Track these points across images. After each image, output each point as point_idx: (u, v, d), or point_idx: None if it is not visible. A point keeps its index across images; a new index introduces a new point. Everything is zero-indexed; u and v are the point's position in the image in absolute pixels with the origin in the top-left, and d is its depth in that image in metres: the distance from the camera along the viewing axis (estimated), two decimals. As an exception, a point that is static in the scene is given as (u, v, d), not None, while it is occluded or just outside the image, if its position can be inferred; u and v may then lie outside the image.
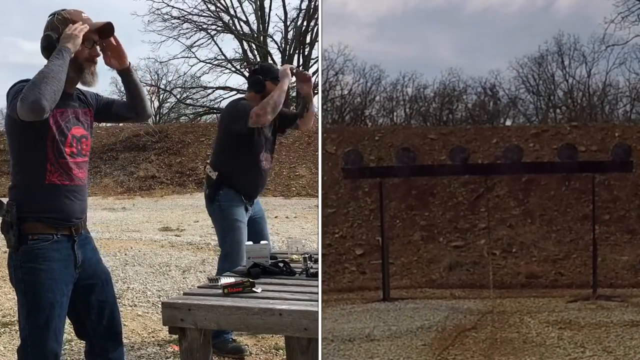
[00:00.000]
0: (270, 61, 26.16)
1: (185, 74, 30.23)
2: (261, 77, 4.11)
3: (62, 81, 2.41)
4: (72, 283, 2.61)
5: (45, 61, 2.55)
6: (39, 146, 2.49)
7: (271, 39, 27.03)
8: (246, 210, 4.08)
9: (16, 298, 2.62)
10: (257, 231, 4.17)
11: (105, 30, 2.62)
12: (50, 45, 2.52)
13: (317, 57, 26.35)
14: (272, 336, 4.25)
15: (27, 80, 2.45)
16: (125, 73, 2.75)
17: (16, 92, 2.41)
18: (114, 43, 2.66)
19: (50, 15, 2.59)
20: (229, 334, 4.09)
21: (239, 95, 4.35)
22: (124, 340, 2.88)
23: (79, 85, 2.66)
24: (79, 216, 2.63)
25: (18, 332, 4.23)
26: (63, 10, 2.60)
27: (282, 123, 4.26)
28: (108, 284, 2.78)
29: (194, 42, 26.77)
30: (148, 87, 28.35)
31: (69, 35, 2.49)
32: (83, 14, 2.60)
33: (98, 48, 2.63)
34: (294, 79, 4.10)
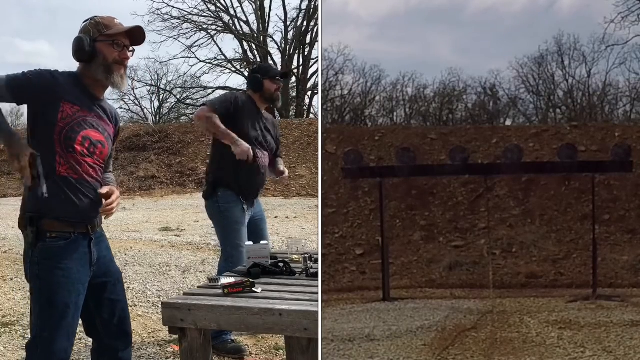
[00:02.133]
0: (270, 61, 26.19)
1: (185, 74, 30.34)
2: (259, 75, 4.14)
3: None
4: (87, 282, 2.63)
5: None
6: (45, 139, 2.51)
7: (271, 39, 27.10)
8: (244, 211, 4.08)
9: (22, 296, 2.62)
10: (257, 232, 4.17)
11: (135, 34, 2.66)
12: (80, 47, 2.58)
13: (317, 57, 26.38)
14: (272, 336, 4.25)
15: (49, 71, 2.53)
16: None
17: None
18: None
19: (85, 21, 2.67)
20: (228, 334, 4.09)
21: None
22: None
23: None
24: (93, 214, 2.64)
25: (17, 332, 4.24)
26: (97, 16, 2.67)
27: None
28: (120, 283, 2.80)
29: (194, 42, 26.84)
30: (148, 87, 28.39)
31: (14, 160, 2.42)
32: (115, 20, 2.66)
33: (130, 52, 2.66)
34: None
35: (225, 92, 4.50)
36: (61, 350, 2.54)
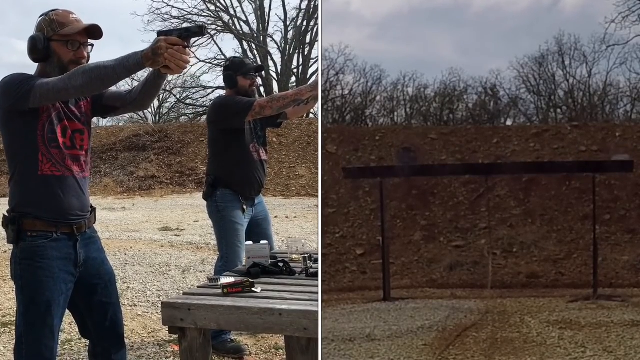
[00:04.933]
0: (270, 61, 26.20)
1: (185, 73, 30.25)
2: (232, 72, 4.12)
3: (108, 80, 2.38)
4: (72, 282, 2.59)
5: (32, 64, 2.56)
6: (29, 136, 2.47)
7: (271, 39, 27.09)
8: (243, 211, 4.06)
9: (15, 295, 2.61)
10: (259, 232, 4.15)
11: (92, 32, 2.57)
12: (33, 47, 2.51)
13: (317, 57, 26.39)
14: (272, 336, 4.24)
15: (24, 74, 2.45)
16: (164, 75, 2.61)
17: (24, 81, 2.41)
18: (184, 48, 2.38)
19: (40, 16, 2.58)
20: (228, 334, 4.08)
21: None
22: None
23: None
24: (78, 213, 2.59)
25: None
26: (52, 11, 2.57)
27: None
28: (112, 284, 2.76)
29: (194, 42, 26.76)
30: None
31: (155, 53, 2.33)
32: (71, 16, 2.57)
33: (87, 49, 2.59)
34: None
35: (219, 96, 4.40)
36: (47, 349, 2.52)
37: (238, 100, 3.98)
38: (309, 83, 3.97)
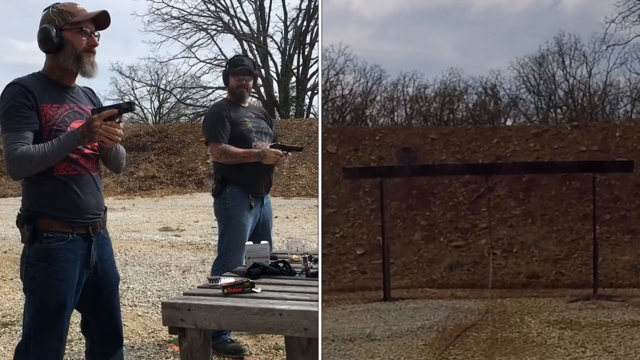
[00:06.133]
0: (270, 61, 26.21)
1: (185, 74, 30.33)
2: (227, 70, 4.14)
3: (53, 163, 2.46)
4: (82, 283, 2.59)
5: (42, 55, 2.55)
6: (42, 137, 2.46)
7: (271, 39, 27.10)
8: (251, 207, 4.05)
9: (22, 296, 2.60)
10: (263, 233, 4.14)
11: (101, 20, 2.58)
12: (47, 38, 2.50)
13: (317, 57, 26.40)
14: (272, 336, 4.24)
15: (15, 84, 2.44)
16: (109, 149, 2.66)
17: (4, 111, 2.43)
18: (116, 124, 2.50)
19: (45, 9, 2.58)
20: (227, 334, 4.07)
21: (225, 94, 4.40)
22: (124, 341, 2.88)
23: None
24: (95, 211, 2.58)
25: (17, 332, 4.22)
26: (58, 3, 2.58)
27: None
28: (117, 288, 2.77)
29: (194, 42, 26.86)
30: (148, 87, 28.40)
31: (90, 130, 2.44)
32: (77, 6, 2.58)
33: (96, 38, 2.59)
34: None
35: (211, 110, 4.47)
36: (53, 352, 2.52)
37: (210, 126, 4.07)
38: (256, 151, 4.00)
